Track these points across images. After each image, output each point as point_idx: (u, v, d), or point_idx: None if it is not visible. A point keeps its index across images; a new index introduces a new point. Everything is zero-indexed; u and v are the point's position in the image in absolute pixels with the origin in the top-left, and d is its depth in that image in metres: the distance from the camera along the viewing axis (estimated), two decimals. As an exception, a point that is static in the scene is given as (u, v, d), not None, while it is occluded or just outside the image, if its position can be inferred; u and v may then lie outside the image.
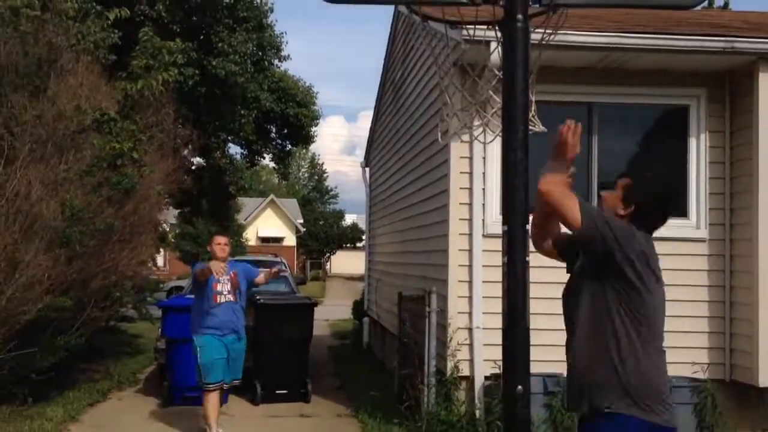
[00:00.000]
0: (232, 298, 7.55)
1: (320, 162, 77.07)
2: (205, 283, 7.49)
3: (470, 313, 7.41)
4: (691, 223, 7.70)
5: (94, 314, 9.53)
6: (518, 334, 2.31)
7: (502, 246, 2.32)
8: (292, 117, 22.90)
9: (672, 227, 7.63)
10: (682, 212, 7.71)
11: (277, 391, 9.07)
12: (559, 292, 7.37)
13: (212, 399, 7.42)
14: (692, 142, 7.74)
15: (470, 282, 7.43)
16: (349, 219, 63.24)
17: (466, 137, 3.45)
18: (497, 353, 6.73)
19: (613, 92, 7.73)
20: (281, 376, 8.84)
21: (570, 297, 3.09)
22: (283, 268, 16.92)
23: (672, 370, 7.11)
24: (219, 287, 7.51)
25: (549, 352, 7.21)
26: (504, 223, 2.34)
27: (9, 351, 7.68)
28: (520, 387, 2.29)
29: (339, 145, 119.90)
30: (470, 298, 7.43)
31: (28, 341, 8.07)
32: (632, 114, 7.96)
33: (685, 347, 7.45)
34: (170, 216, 21.86)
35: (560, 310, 7.35)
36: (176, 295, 14.40)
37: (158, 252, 18.48)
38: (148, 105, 10.87)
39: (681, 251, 7.59)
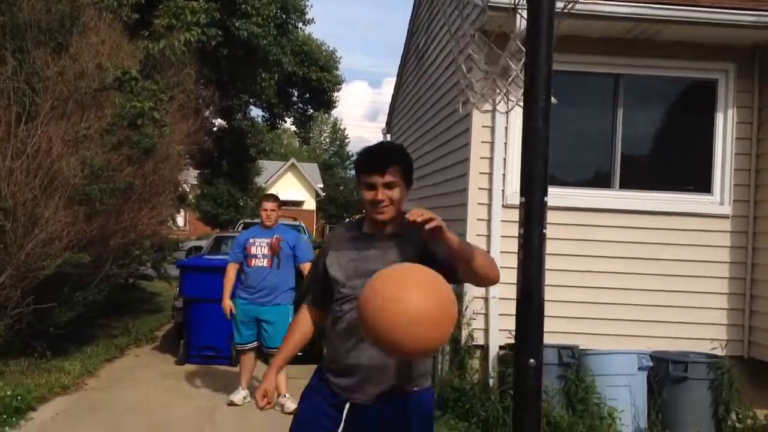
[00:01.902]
0: (265, 264, 7.36)
1: (342, 127, 76.89)
2: (243, 245, 7.43)
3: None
4: (714, 199, 7.59)
5: (113, 271, 9.61)
6: (532, 307, 2.28)
7: (519, 217, 2.28)
8: (314, 81, 22.83)
9: (694, 203, 7.59)
10: (706, 188, 7.60)
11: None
12: (577, 264, 7.33)
13: (243, 360, 7.55)
14: (719, 117, 7.60)
15: (488, 252, 7.39)
16: (369, 185, 63.04)
17: (487, 106, 3.37)
18: (513, 323, 6.74)
19: (640, 64, 7.58)
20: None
21: None
22: (303, 232, 16.95)
23: (690, 346, 7.17)
24: (253, 250, 7.39)
25: (564, 323, 7.23)
26: (522, 194, 2.29)
27: (28, 305, 7.77)
28: (532, 360, 2.25)
29: (362, 110, 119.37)
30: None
31: (47, 296, 8.17)
32: (659, 87, 7.82)
33: (704, 323, 7.41)
34: (190, 177, 21.95)
35: (577, 282, 7.30)
36: (195, 255, 14.50)
37: (178, 212, 18.60)
38: (170, 65, 10.84)
39: (703, 227, 7.51)
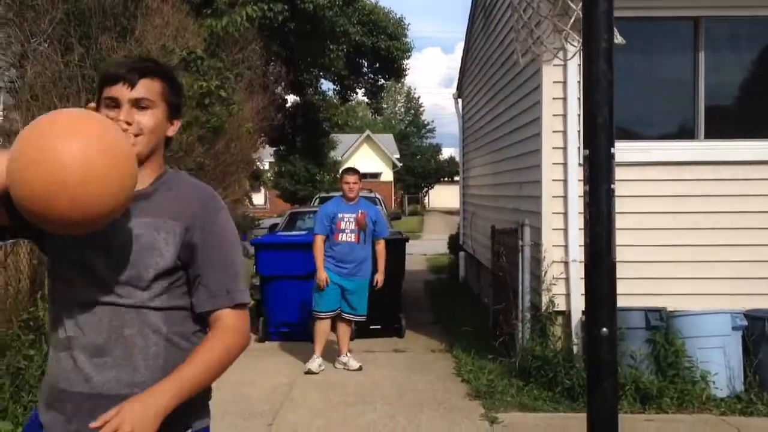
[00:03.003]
0: (353, 239, 7.63)
1: (416, 96, 76.52)
2: (332, 218, 7.62)
3: (566, 246, 7.10)
4: (808, 146, 7.08)
5: (190, 252, 9.69)
6: (602, 271, 2.04)
7: (584, 173, 2.04)
8: (383, 50, 22.58)
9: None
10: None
11: (371, 327, 9.01)
12: (661, 222, 6.94)
13: (319, 326, 7.73)
14: (811, 56, 7.06)
15: (565, 213, 7.09)
16: (446, 153, 62.81)
17: (548, 58, 3.13)
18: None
19: (722, 5, 7.10)
20: (375, 311, 8.68)
21: None
22: (378, 204, 16.89)
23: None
24: (342, 225, 7.62)
25: (651, 285, 6.89)
26: (585, 146, 2.05)
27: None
28: (605, 329, 2.03)
29: (436, 77, 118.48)
30: (565, 230, 7.10)
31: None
32: (741, 28, 7.31)
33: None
34: (266, 154, 22.11)
35: (662, 241, 6.92)
36: (269, 233, 14.58)
37: (255, 190, 18.78)
38: (234, 42, 10.81)
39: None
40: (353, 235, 7.62)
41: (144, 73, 2.02)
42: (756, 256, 6.98)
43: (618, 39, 1.91)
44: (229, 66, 10.18)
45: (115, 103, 2.00)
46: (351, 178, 7.77)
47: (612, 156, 2.02)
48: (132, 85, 1.99)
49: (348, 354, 7.81)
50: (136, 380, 1.92)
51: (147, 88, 2.01)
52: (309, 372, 7.52)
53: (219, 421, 6.06)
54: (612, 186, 2.03)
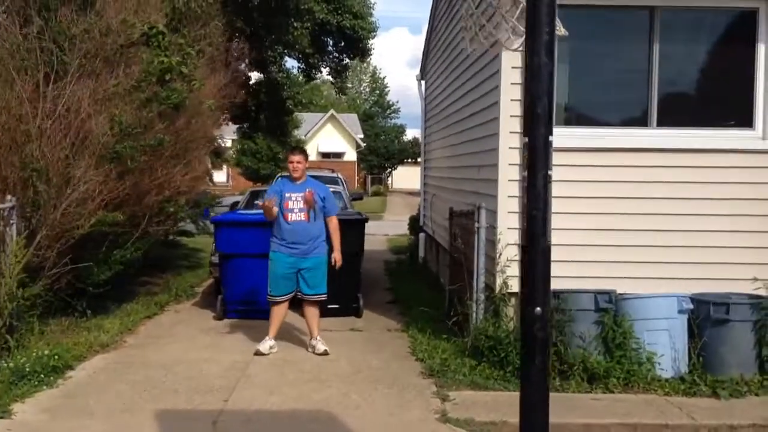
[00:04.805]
0: (303, 218, 7.55)
1: (381, 76, 76.31)
2: (278, 202, 7.51)
3: (521, 229, 7.23)
4: (756, 134, 7.28)
5: (150, 229, 9.66)
6: (538, 253, 2.15)
7: (521, 159, 2.14)
8: (348, 29, 22.51)
9: (735, 139, 7.29)
10: (747, 123, 7.30)
11: (329, 306, 9.07)
12: (614, 207, 7.09)
13: (274, 310, 7.69)
14: (761, 48, 7.23)
15: (521, 197, 7.21)
16: (410, 134, 62.89)
17: (495, 48, 3.17)
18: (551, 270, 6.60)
19: (677, -5, 7.26)
20: (333, 291, 8.73)
21: None
22: (341, 184, 16.91)
23: (732, 287, 6.95)
24: (290, 205, 7.55)
25: (602, 268, 7.07)
26: (525, 134, 2.15)
27: (65, 265, 7.85)
28: (538, 309, 2.13)
29: (403, 58, 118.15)
30: (521, 213, 7.22)
31: (85, 255, 8.24)
32: (697, 19, 7.48)
33: (747, 263, 7.17)
34: (229, 132, 21.98)
35: (614, 226, 7.09)
36: (230, 211, 14.53)
37: (219, 168, 18.62)
38: (197, 18, 10.72)
39: (744, 164, 7.22)
40: (302, 213, 7.54)
41: None
42: (706, 242, 7.19)
43: (561, 31, 1.96)
44: (191, 42, 10.11)
45: None
46: (295, 158, 7.66)
47: (550, 144, 2.12)
48: None
49: (318, 338, 7.77)
50: None
51: None
52: (258, 353, 7.50)
53: (174, 396, 6.14)
54: (549, 172, 2.13)
